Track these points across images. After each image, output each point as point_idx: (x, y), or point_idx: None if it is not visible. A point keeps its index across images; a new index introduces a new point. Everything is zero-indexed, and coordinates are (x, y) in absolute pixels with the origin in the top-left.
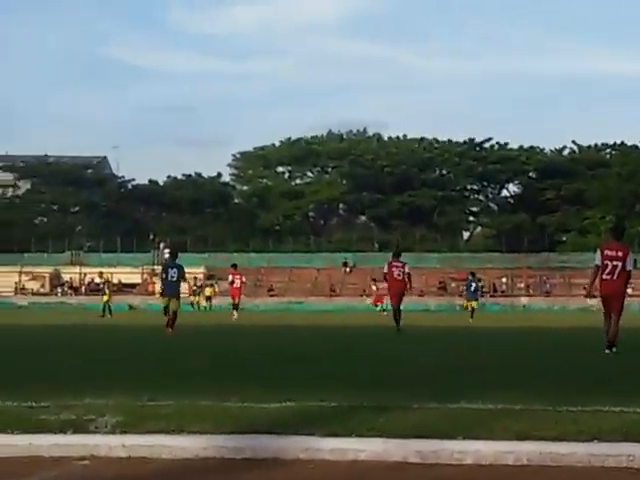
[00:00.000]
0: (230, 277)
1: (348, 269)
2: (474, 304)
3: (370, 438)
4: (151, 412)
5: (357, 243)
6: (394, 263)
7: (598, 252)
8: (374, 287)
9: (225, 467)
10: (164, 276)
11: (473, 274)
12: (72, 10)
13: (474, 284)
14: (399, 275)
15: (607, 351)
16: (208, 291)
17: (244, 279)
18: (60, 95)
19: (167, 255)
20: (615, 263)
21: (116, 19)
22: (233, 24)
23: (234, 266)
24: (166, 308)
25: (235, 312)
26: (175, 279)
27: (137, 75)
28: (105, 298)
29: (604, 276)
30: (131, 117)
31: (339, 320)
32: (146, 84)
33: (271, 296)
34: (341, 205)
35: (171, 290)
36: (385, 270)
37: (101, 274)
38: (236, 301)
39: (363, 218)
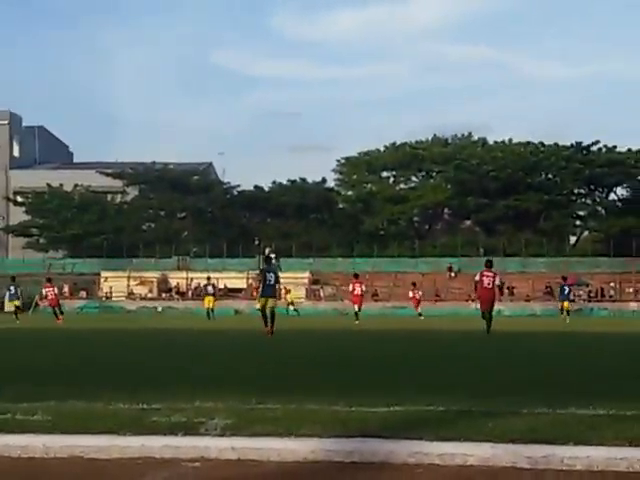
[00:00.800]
0: (351, 286)
1: (453, 274)
2: (566, 304)
3: (479, 443)
4: (260, 415)
5: (462, 248)
6: (485, 273)
7: None
8: (411, 293)
9: (333, 470)
10: (263, 280)
11: (564, 278)
12: (180, 20)
13: (567, 287)
14: (489, 284)
15: None
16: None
17: (364, 287)
18: (167, 103)
19: (272, 261)
20: None
21: (224, 28)
22: (339, 30)
23: (356, 275)
24: (263, 308)
25: (357, 319)
26: (272, 282)
27: (243, 82)
28: (209, 303)
29: None
30: (236, 124)
31: (444, 325)
32: (251, 91)
33: (375, 301)
34: (446, 210)
35: (269, 292)
36: (477, 278)
37: (209, 279)
38: (357, 308)
39: (468, 223)
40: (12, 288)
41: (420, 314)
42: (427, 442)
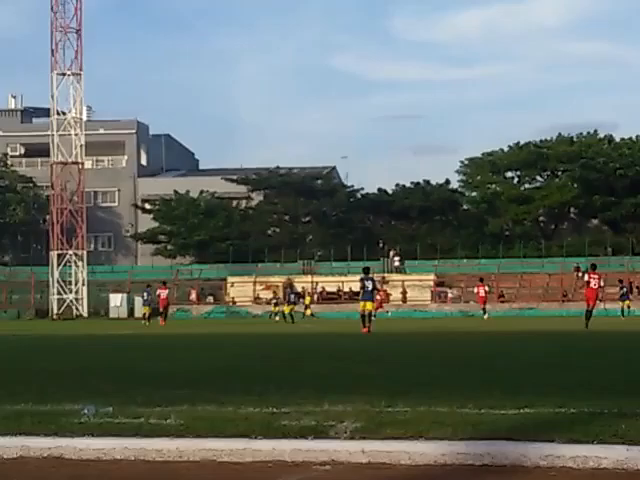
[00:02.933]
0: (476, 288)
1: (580, 274)
2: (627, 303)
3: (613, 445)
4: (389, 418)
5: (589, 247)
6: (592, 275)
7: None
8: (476, 289)
9: (464, 473)
10: (362, 287)
11: (621, 280)
12: (300, 25)
13: (625, 288)
14: (595, 285)
15: None
16: (307, 299)
17: (487, 288)
18: (289, 108)
19: (396, 263)
20: None
21: (343, 32)
22: (459, 31)
23: (481, 280)
24: (363, 311)
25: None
26: (370, 289)
27: (364, 86)
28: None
29: None
30: (359, 127)
31: (572, 326)
32: (373, 94)
33: (502, 302)
34: (572, 209)
35: (366, 297)
36: (586, 279)
37: (291, 283)
38: (482, 306)
39: (595, 222)
40: (145, 294)
41: (485, 312)
42: (559, 444)
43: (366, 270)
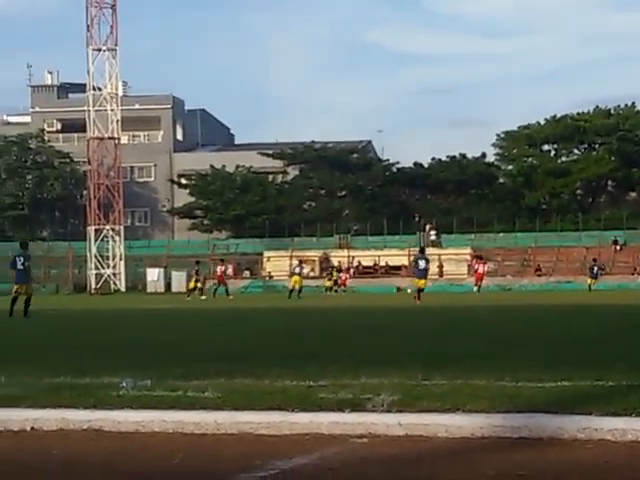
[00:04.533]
0: (475, 265)
1: (618, 247)
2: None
3: None
4: (426, 391)
5: (627, 220)
6: None
7: None
8: (477, 266)
9: (502, 446)
10: (416, 265)
11: (595, 260)
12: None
13: (595, 267)
14: None
15: None
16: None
17: (487, 267)
18: (323, 82)
19: (433, 237)
20: None
21: (377, 5)
22: (492, 3)
23: (480, 257)
24: (418, 287)
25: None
26: (423, 267)
27: (398, 59)
28: (295, 283)
29: None
30: (394, 101)
31: (610, 299)
32: (408, 68)
33: (538, 276)
34: (609, 182)
35: (420, 274)
36: None
37: (301, 261)
38: (477, 282)
39: (633, 195)
40: (193, 271)
41: (479, 289)
42: (597, 417)
43: (422, 250)
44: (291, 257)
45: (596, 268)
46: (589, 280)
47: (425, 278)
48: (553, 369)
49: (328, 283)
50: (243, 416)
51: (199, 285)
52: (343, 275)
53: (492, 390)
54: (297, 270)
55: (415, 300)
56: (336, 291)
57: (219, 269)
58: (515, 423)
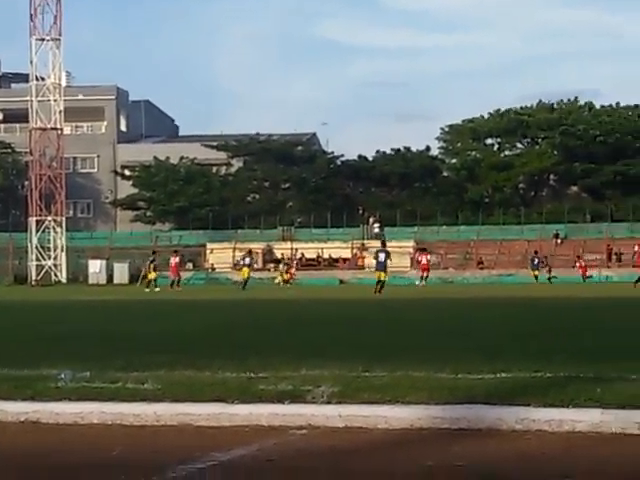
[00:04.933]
0: (419, 257)
1: (559, 240)
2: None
3: (587, 409)
4: (366, 383)
5: (568, 214)
6: None
7: None
8: (420, 257)
9: (440, 437)
10: (376, 257)
11: (536, 252)
12: None
13: (536, 259)
14: None
15: None
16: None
17: (429, 258)
18: (271, 74)
19: (376, 230)
20: None
21: None
22: None
23: (424, 249)
24: (379, 279)
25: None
26: (383, 260)
27: (347, 52)
28: (245, 274)
29: None
30: (340, 94)
31: (550, 292)
32: (355, 61)
33: (481, 269)
34: (552, 176)
35: (379, 267)
36: (635, 249)
37: (250, 252)
38: (422, 274)
39: (574, 189)
40: (148, 262)
41: (424, 280)
42: (535, 408)
43: (383, 243)
44: (234, 249)
45: (537, 260)
46: (532, 272)
47: (385, 271)
48: (492, 361)
49: (285, 276)
50: (183, 408)
51: (154, 275)
52: (292, 269)
53: (431, 382)
54: (247, 261)
55: (375, 293)
56: (289, 283)
57: (173, 260)
58: (454, 414)
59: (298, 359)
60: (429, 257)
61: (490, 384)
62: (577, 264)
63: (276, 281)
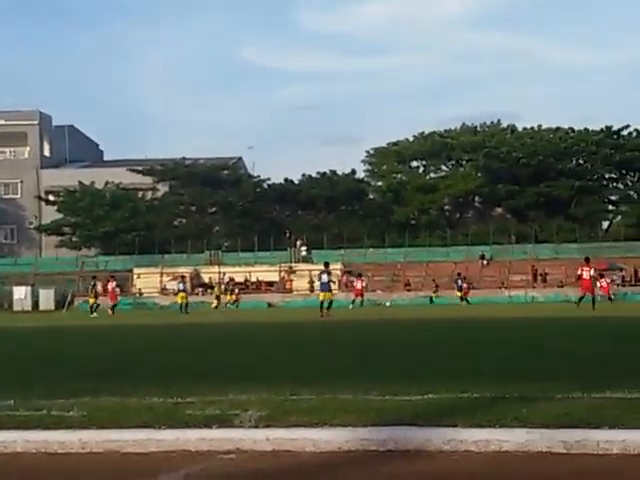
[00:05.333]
0: (355, 281)
1: (485, 262)
2: (459, 294)
3: (514, 429)
4: (294, 406)
5: (493, 235)
6: (584, 267)
7: None
8: (356, 282)
9: (368, 459)
10: (319, 279)
11: (459, 274)
12: (209, 17)
13: (459, 280)
14: (587, 276)
15: None
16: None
17: (364, 283)
18: (196, 99)
19: (303, 253)
20: None
21: (252, 23)
22: (367, 21)
23: (359, 275)
24: (322, 301)
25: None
26: (326, 281)
27: (272, 77)
28: (182, 299)
29: None
30: (266, 118)
31: (477, 313)
32: (281, 85)
33: (408, 291)
34: (477, 198)
35: (323, 288)
36: (578, 272)
37: (183, 277)
38: (355, 298)
39: (499, 210)
40: (90, 286)
41: (357, 304)
42: (462, 429)
43: (325, 264)
44: (161, 274)
45: (460, 281)
46: (458, 293)
47: (329, 291)
48: (420, 382)
49: (230, 297)
50: (109, 434)
51: (93, 301)
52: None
53: (359, 404)
54: (181, 287)
55: (322, 316)
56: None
57: (110, 285)
58: (381, 436)
59: (226, 383)
60: (364, 283)
61: (418, 405)
62: (599, 284)
63: (213, 305)
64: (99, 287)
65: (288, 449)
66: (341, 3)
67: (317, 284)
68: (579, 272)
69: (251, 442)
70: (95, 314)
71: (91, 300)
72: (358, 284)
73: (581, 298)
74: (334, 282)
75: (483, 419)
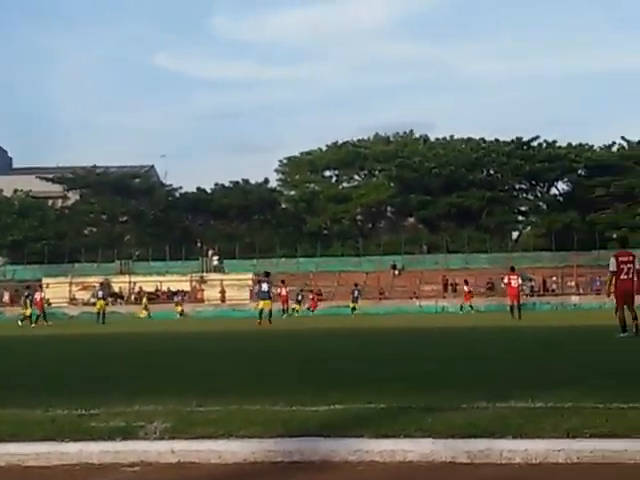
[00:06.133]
0: (279, 289)
1: (397, 272)
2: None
3: (419, 439)
4: (200, 417)
5: (405, 245)
6: (511, 275)
7: (612, 259)
8: (279, 289)
9: (274, 471)
10: (259, 287)
11: (356, 284)
12: (120, 22)
13: (356, 291)
14: (515, 284)
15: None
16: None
17: (287, 290)
18: (108, 106)
19: (215, 262)
20: (629, 266)
21: (164, 29)
22: (278, 30)
23: (282, 282)
24: (261, 309)
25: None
26: (266, 290)
27: (184, 84)
28: (100, 307)
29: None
30: (178, 126)
31: (388, 323)
32: (193, 93)
33: (319, 300)
34: (389, 208)
35: (262, 296)
36: (505, 281)
37: (102, 284)
38: (283, 306)
39: (411, 220)
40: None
41: (284, 312)
42: (368, 439)
43: (267, 274)
44: (71, 283)
45: (356, 292)
46: (351, 304)
47: (269, 299)
48: (327, 393)
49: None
50: (10, 447)
51: (30, 311)
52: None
53: (266, 415)
54: (100, 294)
55: (262, 323)
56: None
57: (38, 295)
58: (287, 447)
59: (131, 394)
60: (287, 289)
61: (324, 416)
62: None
63: (142, 315)
64: (6, 297)
65: (193, 461)
66: (256, 11)
67: (256, 291)
68: (506, 280)
69: (156, 454)
70: (33, 325)
71: (27, 311)
72: (283, 291)
73: (512, 307)
74: (273, 293)
75: (389, 429)
